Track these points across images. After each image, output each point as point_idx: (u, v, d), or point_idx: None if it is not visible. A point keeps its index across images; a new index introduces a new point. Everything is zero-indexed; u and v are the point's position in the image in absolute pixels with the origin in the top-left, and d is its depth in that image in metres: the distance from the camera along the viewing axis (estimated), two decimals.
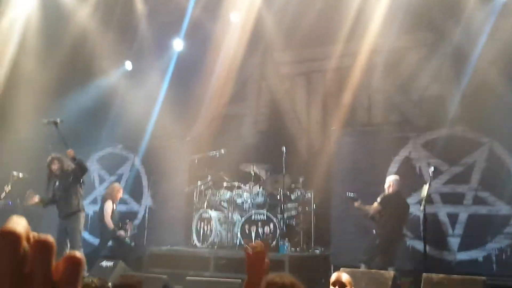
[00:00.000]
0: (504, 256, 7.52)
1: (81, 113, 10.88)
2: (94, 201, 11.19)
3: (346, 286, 4.03)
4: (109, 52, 10.80)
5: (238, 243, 8.75)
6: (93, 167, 11.43)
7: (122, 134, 10.88)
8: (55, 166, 7.86)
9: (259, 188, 9.42)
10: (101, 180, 11.27)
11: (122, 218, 9.38)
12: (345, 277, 4.10)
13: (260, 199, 9.22)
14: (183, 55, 10.95)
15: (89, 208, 11.24)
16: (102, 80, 11.28)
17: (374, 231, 7.52)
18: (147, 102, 10.72)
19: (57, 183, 7.93)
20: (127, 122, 10.57)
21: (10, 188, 8.49)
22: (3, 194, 8.46)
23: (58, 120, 7.62)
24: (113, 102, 11.19)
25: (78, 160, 7.71)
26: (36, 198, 7.82)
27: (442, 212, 8.01)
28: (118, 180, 10.86)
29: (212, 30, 10.46)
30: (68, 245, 7.57)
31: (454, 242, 7.84)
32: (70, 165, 7.84)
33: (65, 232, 7.69)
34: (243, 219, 8.86)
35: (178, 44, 10.94)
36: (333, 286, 4.03)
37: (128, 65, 11.45)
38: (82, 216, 7.83)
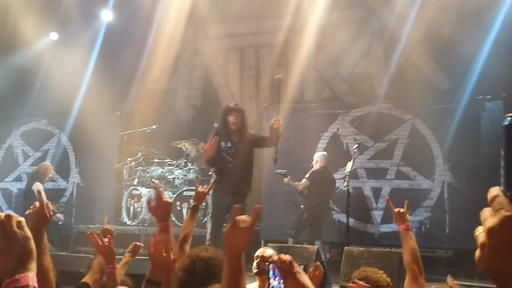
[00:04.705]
0: (423, 228, 7.90)
1: (3, 85, 10.28)
2: (18, 178, 10.71)
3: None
4: (33, 21, 10.18)
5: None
6: (17, 142, 10.90)
7: (47, 108, 10.39)
8: (237, 118, 5.72)
9: (191, 164, 9.35)
10: (25, 156, 10.79)
11: (49, 197, 9.03)
12: (269, 251, 4.18)
13: (192, 175, 9.16)
14: (112, 27, 10.50)
15: (13, 186, 10.77)
16: (26, 51, 10.66)
17: (302, 206, 7.67)
18: (74, 75, 10.24)
19: (228, 144, 5.84)
20: (53, 96, 10.07)
21: None
22: None
23: None
24: (37, 75, 10.62)
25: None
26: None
27: (367, 186, 8.29)
28: (44, 156, 10.44)
29: (143, 2, 10.11)
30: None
31: (377, 215, 8.14)
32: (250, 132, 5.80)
33: (227, 212, 5.88)
34: (174, 195, 8.79)
35: (106, 15, 10.48)
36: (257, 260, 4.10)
37: (54, 36, 10.86)
38: None
